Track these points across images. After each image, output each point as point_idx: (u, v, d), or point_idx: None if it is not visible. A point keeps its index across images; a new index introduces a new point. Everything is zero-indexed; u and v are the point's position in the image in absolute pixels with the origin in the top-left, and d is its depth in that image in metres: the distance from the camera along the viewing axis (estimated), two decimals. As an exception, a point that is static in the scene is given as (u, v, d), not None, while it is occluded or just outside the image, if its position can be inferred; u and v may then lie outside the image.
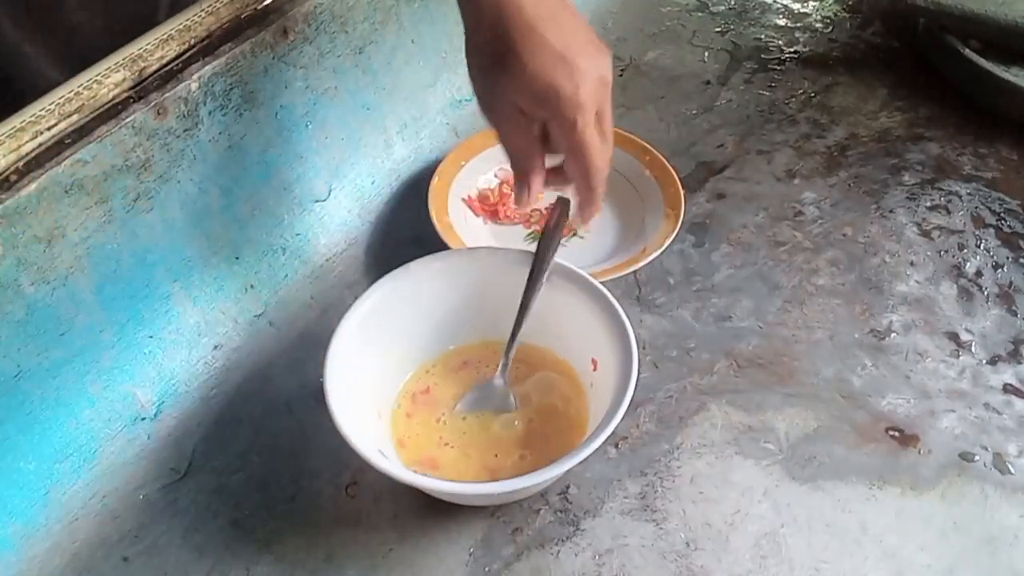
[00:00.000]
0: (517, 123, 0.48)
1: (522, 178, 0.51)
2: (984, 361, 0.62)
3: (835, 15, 0.97)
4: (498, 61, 0.46)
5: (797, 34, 0.95)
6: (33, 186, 0.48)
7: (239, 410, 0.60)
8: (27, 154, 0.49)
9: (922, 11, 0.85)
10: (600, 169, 0.49)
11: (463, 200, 0.73)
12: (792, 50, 0.92)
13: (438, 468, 0.54)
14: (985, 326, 0.64)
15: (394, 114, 0.75)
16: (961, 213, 0.73)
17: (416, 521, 0.53)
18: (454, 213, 0.70)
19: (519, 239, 0.72)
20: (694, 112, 0.85)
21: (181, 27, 0.56)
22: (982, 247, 0.70)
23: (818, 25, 0.96)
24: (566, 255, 0.58)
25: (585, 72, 0.45)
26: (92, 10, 0.61)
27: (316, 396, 0.51)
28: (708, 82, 0.88)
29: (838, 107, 0.85)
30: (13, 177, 0.48)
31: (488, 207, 0.74)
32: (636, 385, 0.49)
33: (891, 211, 0.74)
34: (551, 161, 0.52)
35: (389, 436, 0.55)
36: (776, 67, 0.90)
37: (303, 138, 0.66)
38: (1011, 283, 0.67)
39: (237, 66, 0.58)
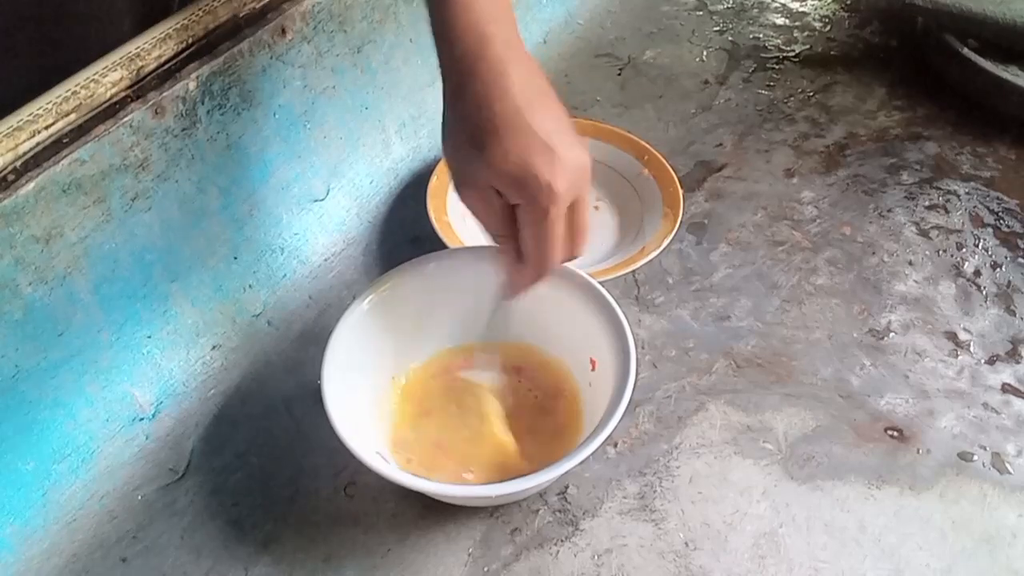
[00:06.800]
0: (491, 201, 0.47)
1: (504, 250, 0.50)
2: (983, 361, 0.62)
3: (833, 14, 0.97)
4: (479, 141, 0.45)
5: (795, 33, 0.95)
6: (31, 185, 0.48)
7: (237, 410, 0.60)
8: (24, 153, 0.49)
9: (920, 10, 0.85)
10: (554, 261, 0.47)
11: (462, 199, 0.73)
12: (790, 49, 0.92)
13: (436, 467, 0.54)
14: (984, 326, 0.64)
15: (393, 113, 0.75)
16: (959, 212, 0.73)
17: (415, 521, 0.53)
18: (453, 212, 0.70)
19: (518, 238, 0.72)
20: (692, 111, 0.85)
21: (179, 26, 0.56)
22: (980, 246, 0.70)
23: (816, 24, 0.96)
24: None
25: (565, 161, 0.44)
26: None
27: (315, 396, 0.51)
28: (707, 81, 0.88)
29: (837, 106, 0.85)
30: (11, 176, 0.48)
31: (487, 206, 0.73)
32: (635, 385, 0.49)
33: (890, 210, 0.74)
34: None
35: (387, 436, 0.55)
36: (775, 66, 0.90)
37: (301, 137, 0.66)
38: (1009, 282, 0.67)
39: (235, 65, 0.58)
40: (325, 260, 0.69)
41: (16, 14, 0.55)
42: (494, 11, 0.46)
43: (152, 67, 0.55)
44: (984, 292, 0.67)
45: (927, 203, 0.74)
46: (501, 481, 0.48)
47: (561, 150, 0.44)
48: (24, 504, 0.52)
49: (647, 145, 0.74)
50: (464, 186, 0.48)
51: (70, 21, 0.57)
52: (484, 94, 0.45)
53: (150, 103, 0.53)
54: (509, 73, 0.45)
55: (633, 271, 0.66)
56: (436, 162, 0.74)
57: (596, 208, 0.74)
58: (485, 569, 0.51)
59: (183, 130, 0.56)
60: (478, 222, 0.50)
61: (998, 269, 0.68)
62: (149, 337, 0.58)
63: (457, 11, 0.46)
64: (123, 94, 0.53)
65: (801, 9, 0.98)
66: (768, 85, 0.87)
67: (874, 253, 0.70)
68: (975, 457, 0.56)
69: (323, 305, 0.66)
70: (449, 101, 0.48)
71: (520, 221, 0.47)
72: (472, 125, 0.45)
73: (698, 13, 0.98)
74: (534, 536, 0.53)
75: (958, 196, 0.75)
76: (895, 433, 0.58)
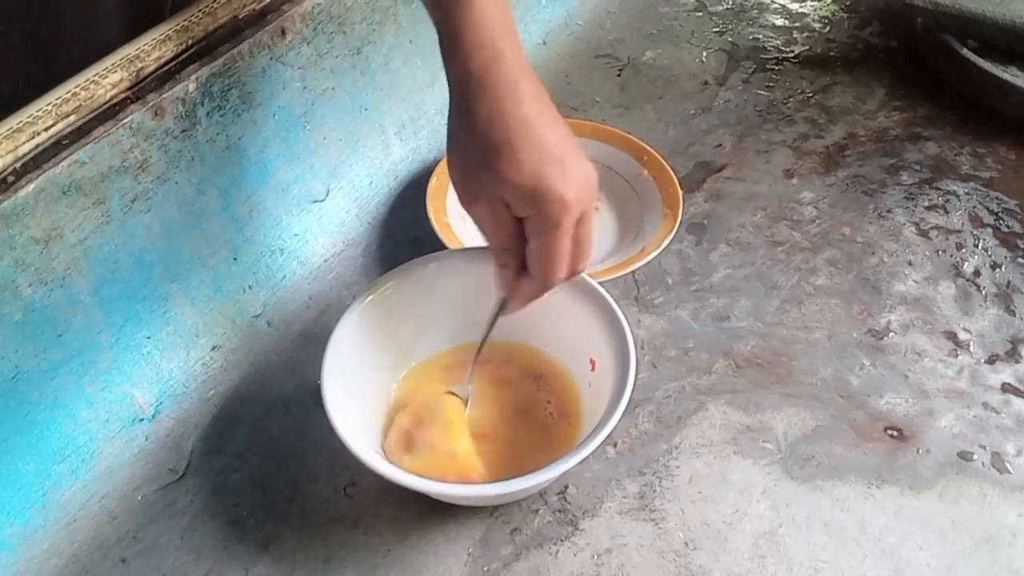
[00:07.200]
0: (500, 215, 0.47)
1: (505, 266, 0.50)
2: (982, 360, 0.62)
3: (833, 15, 0.98)
4: (491, 153, 0.45)
5: (795, 34, 0.95)
6: (31, 187, 0.48)
7: (237, 411, 0.60)
8: (24, 155, 0.49)
9: (920, 11, 0.85)
10: (559, 275, 0.47)
11: (461, 200, 0.73)
12: (790, 50, 0.92)
13: (436, 467, 0.53)
14: (983, 325, 0.64)
15: (392, 114, 0.75)
16: (959, 213, 0.73)
17: (414, 521, 0.53)
18: (452, 213, 0.70)
19: (517, 239, 0.72)
20: (692, 112, 0.85)
21: (179, 27, 0.56)
22: (980, 247, 0.70)
23: (816, 25, 0.96)
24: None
25: (576, 173, 0.45)
26: None
27: (314, 396, 0.51)
28: (706, 82, 0.88)
29: (836, 107, 0.85)
30: (10, 178, 0.48)
31: (486, 207, 0.73)
32: (634, 385, 0.49)
33: (889, 211, 0.74)
34: None
35: (387, 436, 0.55)
36: (774, 67, 0.90)
37: (301, 139, 0.66)
38: (1009, 282, 0.67)
39: (235, 67, 0.58)
40: (325, 261, 0.69)
41: (5, 14, 0.55)
42: (503, 26, 0.47)
43: (152, 69, 0.55)
44: (984, 292, 0.67)
45: (927, 203, 0.74)
46: (500, 481, 0.48)
47: (571, 162, 0.45)
48: (24, 505, 0.52)
49: (646, 146, 0.74)
50: (473, 200, 0.48)
51: (60, 22, 0.57)
52: (497, 107, 0.45)
53: (150, 105, 0.53)
54: (521, 87, 0.45)
55: (633, 271, 0.66)
56: (435, 163, 0.74)
57: (596, 209, 0.74)
58: (485, 569, 0.51)
59: (183, 131, 0.56)
60: (484, 236, 0.50)
61: (998, 269, 0.68)
62: (149, 338, 0.58)
63: (468, 26, 0.46)
64: (123, 96, 0.53)
65: (800, 10, 0.98)
66: (767, 86, 0.88)
67: (874, 253, 0.70)
68: (975, 457, 0.56)
69: (323, 306, 0.66)
70: (457, 115, 0.48)
71: (528, 232, 0.47)
72: (483, 138, 0.45)
73: (697, 14, 0.98)
74: (534, 536, 0.53)
75: (958, 196, 0.75)
76: (895, 433, 0.58)
